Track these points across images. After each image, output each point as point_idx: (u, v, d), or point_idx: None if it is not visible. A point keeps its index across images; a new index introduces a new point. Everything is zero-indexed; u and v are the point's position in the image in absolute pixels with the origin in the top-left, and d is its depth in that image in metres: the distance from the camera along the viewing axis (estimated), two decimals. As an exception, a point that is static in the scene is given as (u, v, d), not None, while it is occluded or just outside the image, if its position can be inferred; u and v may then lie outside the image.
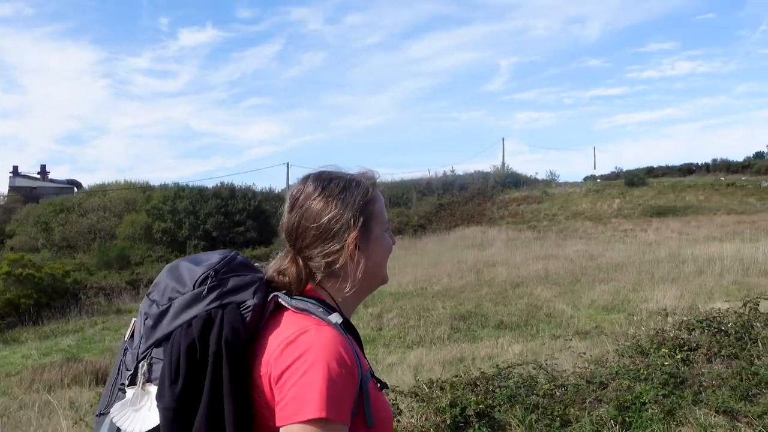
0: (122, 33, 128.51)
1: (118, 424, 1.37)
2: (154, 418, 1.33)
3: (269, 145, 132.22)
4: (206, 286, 1.40)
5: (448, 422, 5.09)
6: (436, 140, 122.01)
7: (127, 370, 1.42)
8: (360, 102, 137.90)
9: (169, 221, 32.84)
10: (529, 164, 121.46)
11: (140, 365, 1.39)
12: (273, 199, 36.71)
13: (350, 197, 1.49)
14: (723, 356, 6.32)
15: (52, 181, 58.84)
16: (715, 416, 5.14)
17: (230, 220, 33.04)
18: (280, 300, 1.43)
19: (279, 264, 1.54)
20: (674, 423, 5.04)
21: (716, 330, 6.94)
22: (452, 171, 51.52)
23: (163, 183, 38.12)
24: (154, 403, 1.34)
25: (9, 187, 54.69)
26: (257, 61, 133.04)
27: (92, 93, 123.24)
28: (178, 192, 34.67)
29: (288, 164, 35.89)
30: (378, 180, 1.59)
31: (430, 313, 14.89)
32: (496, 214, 42.43)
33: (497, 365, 6.61)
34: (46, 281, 20.22)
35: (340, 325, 1.40)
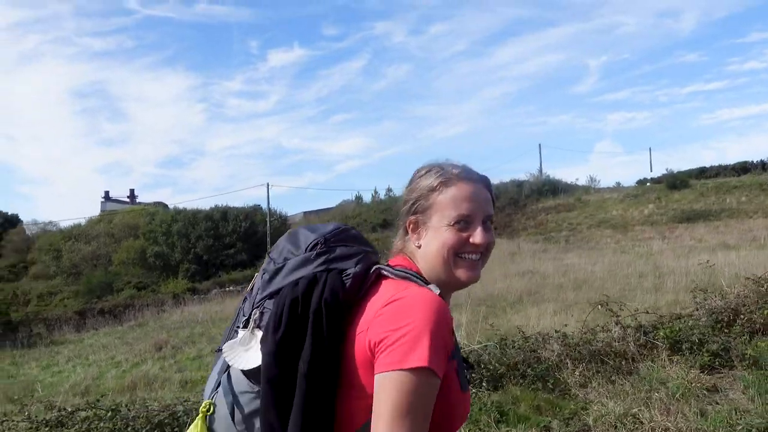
0: (215, 58, 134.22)
1: (227, 360, 1.55)
2: (256, 359, 1.49)
3: (357, 158, 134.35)
4: (315, 252, 1.57)
5: None
6: (524, 146, 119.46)
7: (244, 315, 1.62)
8: (445, 111, 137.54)
9: (162, 245, 32.82)
10: (623, 166, 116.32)
11: (253, 312, 1.57)
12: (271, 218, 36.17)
13: (417, 185, 1.58)
14: None
15: (139, 203, 61.11)
16: None
17: (220, 242, 32.65)
18: (382, 271, 1.53)
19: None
20: None
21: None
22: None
23: (174, 206, 38.28)
24: (259, 345, 1.49)
25: (101, 211, 57.11)
26: (344, 77, 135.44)
27: (190, 117, 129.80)
28: (175, 215, 34.65)
29: (268, 184, 35.14)
30: (462, 172, 1.57)
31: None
32: (521, 225, 40.30)
33: None
34: (-24, 314, 20.31)
35: (438, 295, 1.43)
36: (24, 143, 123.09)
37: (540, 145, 54.48)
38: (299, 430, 1.38)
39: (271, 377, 1.43)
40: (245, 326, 1.56)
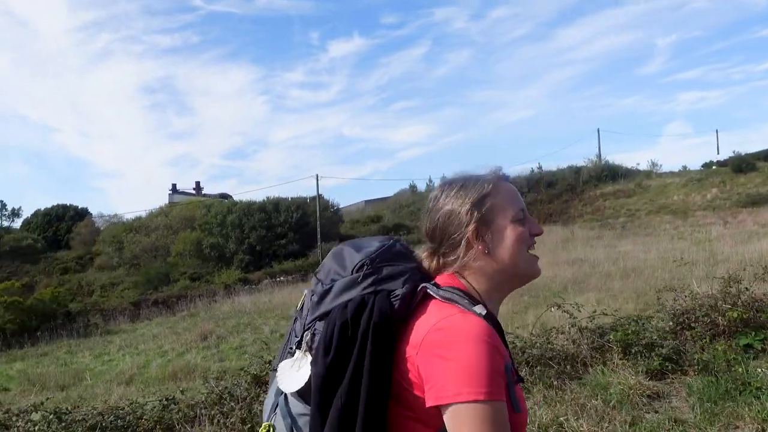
0: (277, 51, 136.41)
1: (278, 381, 1.58)
2: (302, 379, 1.51)
3: (419, 146, 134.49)
4: (362, 273, 1.55)
5: None
6: (588, 130, 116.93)
7: (296, 336, 1.62)
8: (509, 96, 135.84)
9: (217, 236, 33.50)
10: (693, 148, 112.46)
11: (305, 334, 1.57)
12: (323, 209, 36.39)
13: (466, 194, 1.59)
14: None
15: (205, 195, 62.70)
16: None
17: (273, 233, 33.09)
18: (428, 291, 1.53)
19: (423, 257, 1.68)
20: None
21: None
22: (539, 167, 48.44)
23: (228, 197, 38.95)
24: (308, 367, 1.51)
25: (168, 203, 58.89)
26: (404, 64, 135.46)
27: (253, 110, 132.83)
28: (231, 206, 35.29)
29: (318, 176, 35.22)
30: (502, 175, 1.65)
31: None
32: (577, 212, 39.40)
33: None
34: (35, 306, 21.18)
35: (484, 316, 1.46)
36: (97, 139, 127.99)
37: (599, 129, 53.05)
38: None
39: (321, 401, 1.46)
40: (298, 347, 1.59)
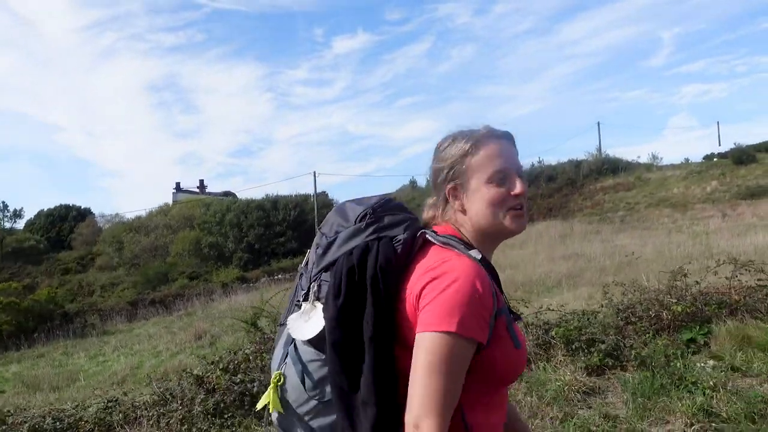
0: (281, 48, 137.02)
1: (290, 332, 1.65)
2: (317, 327, 1.58)
3: (424, 142, 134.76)
4: (365, 222, 1.65)
5: None
6: (591, 124, 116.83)
7: (302, 289, 1.70)
8: (513, 91, 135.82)
9: (216, 235, 33.59)
10: (698, 140, 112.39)
11: (311, 286, 1.65)
12: (322, 206, 36.42)
13: (449, 152, 1.67)
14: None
15: (209, 194, 62.83)
16: None
17: (271, 231, 33.16)
18: (427, 236, 1.63)
19: (426, 206, 1.78)
20: None
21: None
22: (540, 161, 48.31)
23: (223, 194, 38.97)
24: (320, 315, 1.59)
25: (173, 201, 59.11)
26: (408, 60, 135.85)
27: (258, 107, 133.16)
28: (230, 205, 35.37)
29: (315, 173, 35.22)
30: (489, 132, 1.68)
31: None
32: (577, 206, 39.26)
33: None
34: (32, 307, 21.27)
35: (479, 260, 1.55)
36: (102, 138, 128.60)
37: (599, 122, 52.85)
38: (373, 389, 1.47)
39: (335, 341, 1.53)
40: (305, 299, 1.66)
